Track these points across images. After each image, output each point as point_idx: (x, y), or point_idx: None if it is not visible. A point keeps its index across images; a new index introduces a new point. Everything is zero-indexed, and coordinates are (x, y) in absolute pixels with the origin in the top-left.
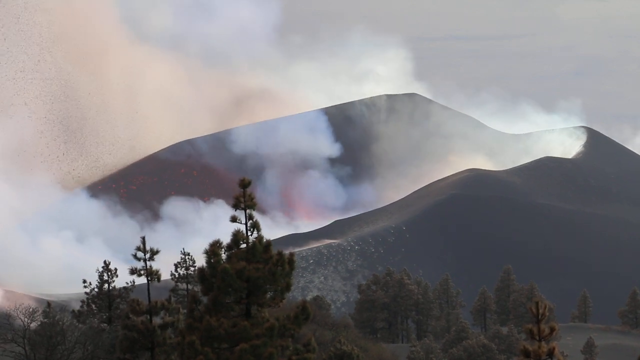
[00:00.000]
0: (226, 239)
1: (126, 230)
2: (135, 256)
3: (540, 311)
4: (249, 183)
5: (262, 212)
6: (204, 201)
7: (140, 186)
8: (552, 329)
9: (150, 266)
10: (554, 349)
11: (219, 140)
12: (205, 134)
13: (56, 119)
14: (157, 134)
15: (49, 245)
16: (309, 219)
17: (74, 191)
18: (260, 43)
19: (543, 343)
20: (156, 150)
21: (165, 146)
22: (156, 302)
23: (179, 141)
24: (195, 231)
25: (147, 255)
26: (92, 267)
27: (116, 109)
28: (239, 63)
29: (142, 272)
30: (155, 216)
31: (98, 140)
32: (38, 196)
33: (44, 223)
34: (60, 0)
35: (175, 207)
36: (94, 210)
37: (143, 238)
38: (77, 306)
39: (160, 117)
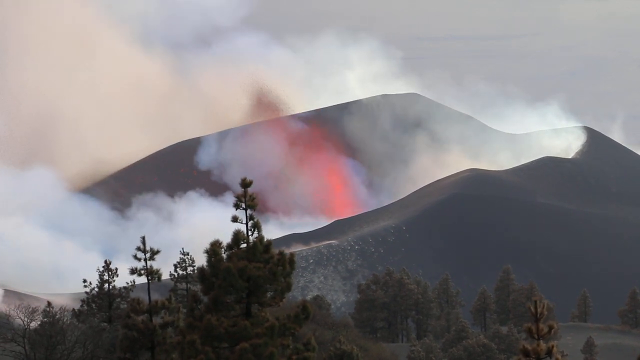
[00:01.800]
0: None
1: (106, 225)
2: (135, 256)
3: (539, 310)
4: (250, 183)
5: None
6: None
7: (141, 185)
8: (550, 328)
9: (151, 266)
10: (552, 347)
11: (211, 142)
12: (194, 136)
13: (35, 116)
14: (143, 136)
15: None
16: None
17: (74, 192)
18: (251, 41)
19: (542, 342)
20: (155, 151)
21: (163, 147)
22: (157, 302)
23: (178, 141)
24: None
25: (148, 255)
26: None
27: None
28: (229, 62)
29: (142, 271)
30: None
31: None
32: (39, 195)
33: (41, 222)
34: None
35: (156, 202)
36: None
37: (143, 238)
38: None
39: (143, 119)
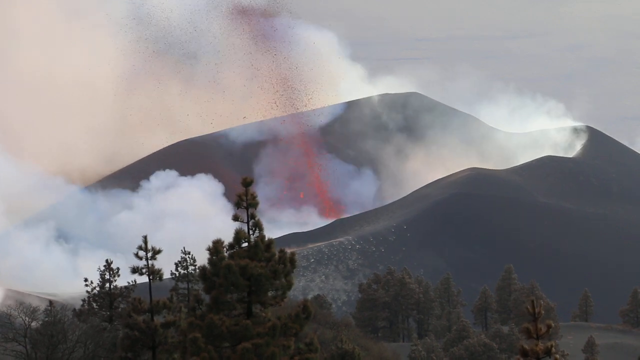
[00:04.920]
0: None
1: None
2: (136, 255)
3: (536, 310)
4: (251, 182)
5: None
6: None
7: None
8: (548, 327)
9: (153, 265)
10: (551, 347)
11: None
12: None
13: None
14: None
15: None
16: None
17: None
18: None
19: (540, 342)
20: (158, 149)
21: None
22: (158, 301)
23: (187, 138)
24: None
25: (149, 254)
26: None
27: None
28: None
29: (143, 270)
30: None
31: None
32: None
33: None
34: None
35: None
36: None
37: (145, 237)
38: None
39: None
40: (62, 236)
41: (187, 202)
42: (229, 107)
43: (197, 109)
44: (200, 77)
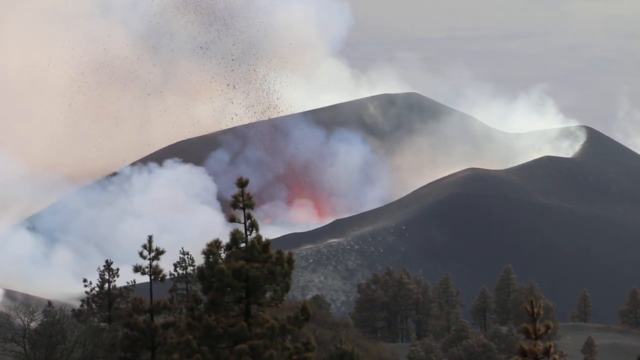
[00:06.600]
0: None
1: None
2: (141, 254)
3: (535, 310)
4: (247, 182)
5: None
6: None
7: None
8: (547, 327)
9: (156, 265)
10: (550, 347)
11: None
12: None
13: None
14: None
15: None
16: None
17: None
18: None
19: (539, 342)
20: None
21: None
22: (158, 302)
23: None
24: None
25: (152, 255)
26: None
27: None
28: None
29: (146, 270)
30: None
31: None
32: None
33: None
34: None
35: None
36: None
37: (150, 237)
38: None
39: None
40: (32, 229)
41: (163, 191)
42: (208, 113)
43: (172, 114)
44: (177, 80)
